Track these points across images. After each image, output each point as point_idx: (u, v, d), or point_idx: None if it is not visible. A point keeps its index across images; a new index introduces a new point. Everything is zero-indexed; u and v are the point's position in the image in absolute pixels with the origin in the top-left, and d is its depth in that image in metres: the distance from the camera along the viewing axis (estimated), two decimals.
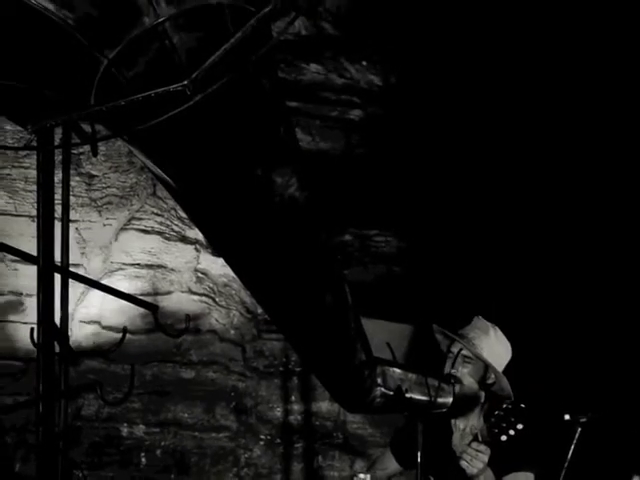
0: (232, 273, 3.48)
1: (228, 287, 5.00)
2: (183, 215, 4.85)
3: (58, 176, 2.88)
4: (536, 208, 5.07)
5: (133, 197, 4.92)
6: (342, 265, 4.57)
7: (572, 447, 3.49)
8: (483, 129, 5.13)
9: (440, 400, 3.43)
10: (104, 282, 4.51)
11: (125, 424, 4.81)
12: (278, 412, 5.06)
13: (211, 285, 4.98)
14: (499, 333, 3.67)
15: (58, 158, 2.96)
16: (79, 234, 4.79)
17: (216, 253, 4.74)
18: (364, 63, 5.26)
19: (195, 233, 4.88)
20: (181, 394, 4.89)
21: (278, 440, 5.05)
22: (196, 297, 4.95)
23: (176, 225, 4.95)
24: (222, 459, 4.95)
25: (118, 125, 2.11)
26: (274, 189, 2.35)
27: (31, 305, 4.44)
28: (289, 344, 4.53)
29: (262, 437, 5.03)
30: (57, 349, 2.84)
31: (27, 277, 4.56)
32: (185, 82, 1.80)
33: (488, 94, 5.10)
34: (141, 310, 4.22)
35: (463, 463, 3.31)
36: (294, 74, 5.13)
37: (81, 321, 4.74)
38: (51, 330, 2.75)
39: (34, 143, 2.92)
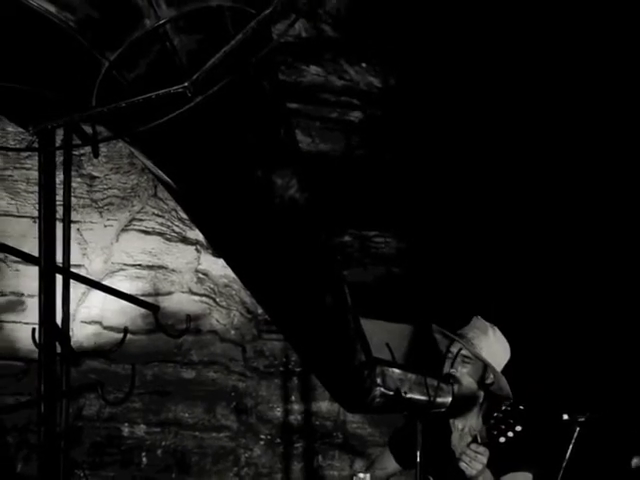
0: (232, 274, 3.49)
1: (229, 288, 5.00)
2: (184, 216, 4.85)
3: (59, 177, 2.90)
4: (535, 208, 5.07)
5: (134, 198, 4.93)
6: (342, 266, 4.56)
7: (570, 447, 3.50)
8: (482, 130, 5.14)
9: (439, 400, 3.43)
10: (105, 283, 4.52)
11: (126, 424, 4.81)
12: (278, 412, 5.07)
13: (212, 286, 4.98)
14: (498, 333, 3.68)
15: (59, 159, 2.97)
16: (80, 235, 4.80)
17: (217, 254, 4.75)
18: (364, 65, 5.27)
19: (196, 234, 4.88)
20: (182, 394, 4.90)
21: (278, 440, 5.06)
22: (197, 297, 4.95)
23: (177, 226, 4.95)
24: (222, 459, 4.96)
25: (119, 126, 2.12)
26: (274, 190, 2.36)
27: (32, 305, 4.42)
28: (289, 344, 4.53)
29: (262, 437, 5.03)
30: (58, 349, 2.85)
31: (28, 278, 4.56)
32: (186, 84, 1.80)
33: (487, 95, 5.11)
34: (142, 310, 4.22)
35: (462, 464, 3.32)
36: (294, 76, 5.14)
37: (82, 321, 4.75)
38: (52, 330, 2.76)
39: (35, 144, 2.92)
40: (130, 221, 4.90)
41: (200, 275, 4.97)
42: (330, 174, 5.11)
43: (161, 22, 1.84)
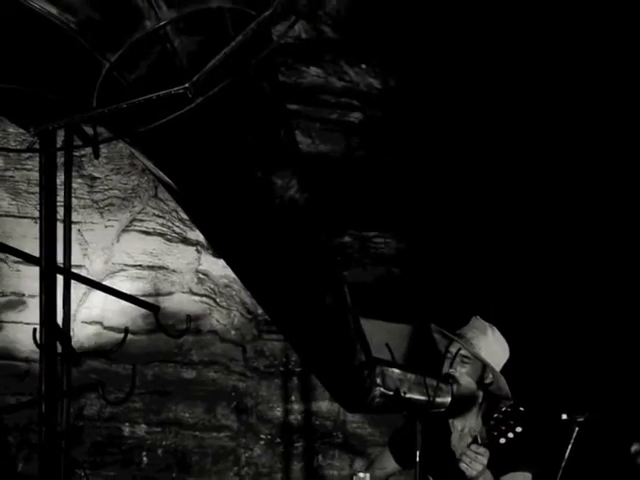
0: (233, 274, 3.50)
1: (229, 288, 5.01)
2: (184, 217, 4.86)
3: (60, 178, 2.91)
4: (533, 208, 5.08)
5: (135, 199, 4.93)
6: (342, 266, 4.57)
7: (569, 447, 3.50)
8: (482, 131, 5.14)
9: (439, 400, 3.44)
10: (106, 283, 4.53)
11: (127, 424, 4.81)
12: (278, 412, 5.07)
13: (212, 286, 4.99)
14: (497, 333, 3.69)
15: (60, 160, 2.99)
16: (81, 235, 4.80)
17: (217, 254, 4.75)
18: (363, 66, 5.27)
19: (196, 234, 4.88)
20: (182, 394, 4.90)
21: (278, 439, 5.06)
22: (197, 298, 4.95)
23: (177, 227, 4.96)
24: (223, 458, 4.96)
25: (120, 127, 2.13)
26: (274, 191, 2.37)
27: (33, 306, 4.41)
28: (289, 344, 4.54)
29: (262, 436, 5.04)
30: (59, 349, 2.86)
31: (29, 278, 4.55)
32: (186, 85, 1.81)
33: (487, 97, 5.11)
34: (142, 311, 4.22)
35: (462, 465, 3.33)
36: (294, 77, 5.14)
37: (83, 322, 4.75)
38: (53, 331, 2.77)
39: (37, 145, 2.93)
40: (131, 222, 4.90)
41: (200, 275, 4.97)
42: (330, 175, 5.12)
43: (161, 24, 1.85)
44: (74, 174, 4.19)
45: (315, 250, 2.79)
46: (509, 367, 3.68)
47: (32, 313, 4.48)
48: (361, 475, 3.31)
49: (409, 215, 5.24)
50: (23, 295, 4.68)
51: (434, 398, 3.41)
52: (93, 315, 4.77)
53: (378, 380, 3.37)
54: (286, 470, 5.04)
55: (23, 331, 4.56)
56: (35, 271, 2.86)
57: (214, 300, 4.98)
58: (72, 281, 3.08)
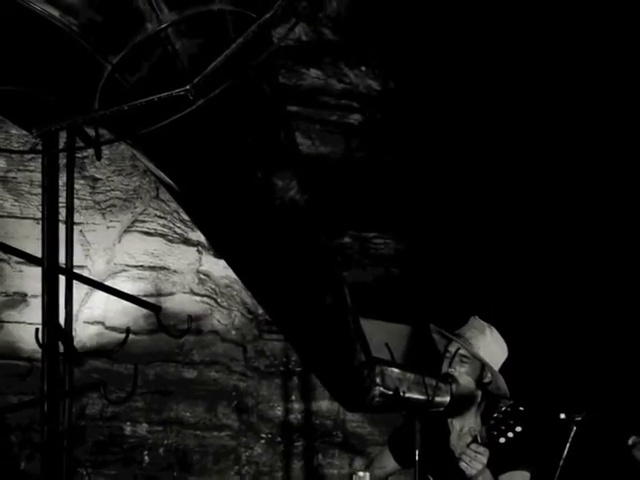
0: (234, 275, 3.50)
1: (230, 288, 5.02)
2: (185, 217, 4.86)
3: (62, 179, 2.92)
4: (532, 209, 5.08)
5: (136, 200, 4.94)
6: (341, 267, 4.57)
7: (567, 446, 3.51)
8: (481, 132, 5.15)
9: (438, 399, 3.46)
10: (108, 283, 4.53)
11: (128, 423, 4.82)
12: (279, 411, 5.08)
13: (213, 286, 4.99)
14: (495, 333, 3.71)
15: (62, 162, 2.99)
16: (83, 236, 4.81)
17: (218, 255, 4.76)
18: (363, 68, 5.28)
19: (197, 235, 4.89)
20: (183, 393, 4.90)
21: (279, 439, 5.07)
22: (198, 298, 4.96)
23: (179, 227, 4.96)
24: (224, 457, 4.97)
25: (122, 129, 2.13)
26: (275, 192, 2.38)
27: (36, 306, 4.44)
28: (289, 344, 4.55)
29: (263, 436, 5.05)
30: (61, 349, 2.87)
31: (32, 278, 4.55)
32: (187, 87, 1.82)
33: (486, 99, 5.12)
34: (144, 311, 4.24)
35: (462, 464, 3.33)
36: (294, 79, 5.15)
37: (85, 322, 4.75)
38: (55, 331, 2.77)
39: (39, 147, 2.93)
40: (132, 222, 4.91)
41: (201, 276, 4.98)
42: (330, 176, 5.13)
43: (163, 26, 1.86)
44: (76, 175, 4.18)
45: (315, 251, 2.80)
46: (508, 367, 3.69)
47: (34, 313, 4.49)
48: (361, 474, 3.32)
49: (408, 216, 5.25)
50: (25, 295, 4.68)
51: (433, 397, 3.42)
52: (95, 315, 4.78)
53: (378, 380, 3.38)
54: (286, 469, 5.05)
55: (25, 331, 4.56)
56: (37, 271, 2.87)
57: (215, 300, 4.99)
58: (74, 281, 3.08)
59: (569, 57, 5.02)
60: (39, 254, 2.81)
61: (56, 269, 2.80)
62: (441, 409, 3.51)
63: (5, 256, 4.64)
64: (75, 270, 3.14)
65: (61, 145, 2.99)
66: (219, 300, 4.99)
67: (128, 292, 3.93)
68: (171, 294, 4.90)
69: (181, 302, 4.89)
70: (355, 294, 3.13)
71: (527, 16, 5.05)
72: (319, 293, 2.93)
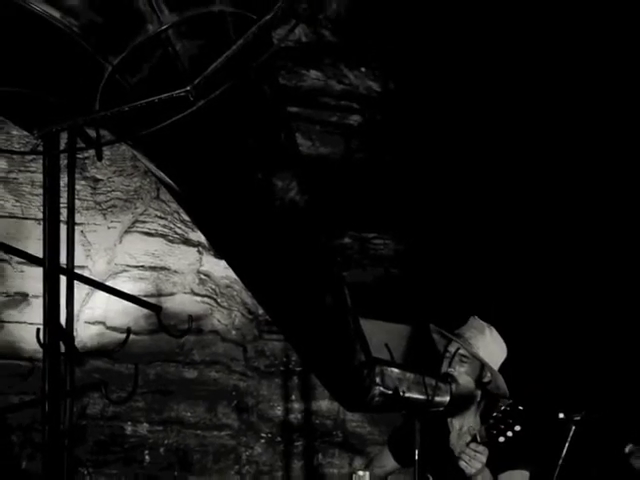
0: (234, 275, 3.50)
1: (230, 288, 5.02)
2: (186, 218, 4.87)
3: (63, 180, 2.91)
4: (532, 209, 5.08)
5: (137, 200, 4.94)
6: (341, 267, 4.58)
7: (566, 445, 3.52)
8: (481, 133, 5.15)
9: (437, 399, 3.46)
10: (108, 284, 4.53)
11: (129, 422, 4.82)
12: (279, 411, 5.08)
13: (213, 287, 5.00)
14: (494, 333, 3.71)
15: (63, 162, 2.99)
16: (84, 237, 4.81)
17: (218, 255, 4.76)
18: (363, 69, 5.29)
19: (198, 236, 4.90)
20: (184, 393, 4.91)
21: (279, 438, 5.07)
22: (199, 298, 4.96)
23: (179, 228, 4.97)
24: (224, 457, 4.97)
25: (122, 130, 2.13)
26: (275, 193, 2.38)
27: (37, 306, 4.45)
28: (289, 344, 4.55)
29: (263, 435, 5.05)
30: (62, 349, 2.87)
31: (33, 279, 4.56)
32: (188, 88, 1.82)
33: (486, 99, 5.13)
34: (145, 311, 4.24)
35: (462, 463, 3.34)
36: (294, 80, 5.16)
37: (86, 322, 4.75)
38: (57, 331, 2.77)
39: (40, 148, 2.94)
40: (133, 223, 4.92)
41: (202, 276, 4.98)
42: (330, 177, 5.13)
43: (163, 27, 1.87)
44: (77, 176, 4.20)
45: (315, 251, 2.80)
46: (507, 366, 3.70)
47: (35, 313, 4.50)
48: (360, 473, 3.33)
49: (408, 216, 5.26)
50: (27, 295, 4.69)
51: (433, 397, 3.43)
52: (96, 315, 4.78)
53: (377, 379, 3.39)
54: (286, 468, 5.06)
55: (27, 331, 4.57)
56: (38, 272, 2.87)
57: (215, 300, 5.00)
58: (75, 282, 3.08)
59: (569, 57, 5.03)
60: (40, 254, 2.81)
61: (57, 269, 2.80)
62: (441, 409, 3.52)
63: (6, 256, 4.65)
64: (76, 270, 3.14)
65: (62, 146, 2.99)
66: (219, 300, 5.00)
67: (129, 292, 3.93)
68: (172, 294, 4.91)
69: (182, 302, 4.89)
70: (355, 294, 3.14)
71: (527, 16, 5.05)
72: (319, 293, 2.93)
